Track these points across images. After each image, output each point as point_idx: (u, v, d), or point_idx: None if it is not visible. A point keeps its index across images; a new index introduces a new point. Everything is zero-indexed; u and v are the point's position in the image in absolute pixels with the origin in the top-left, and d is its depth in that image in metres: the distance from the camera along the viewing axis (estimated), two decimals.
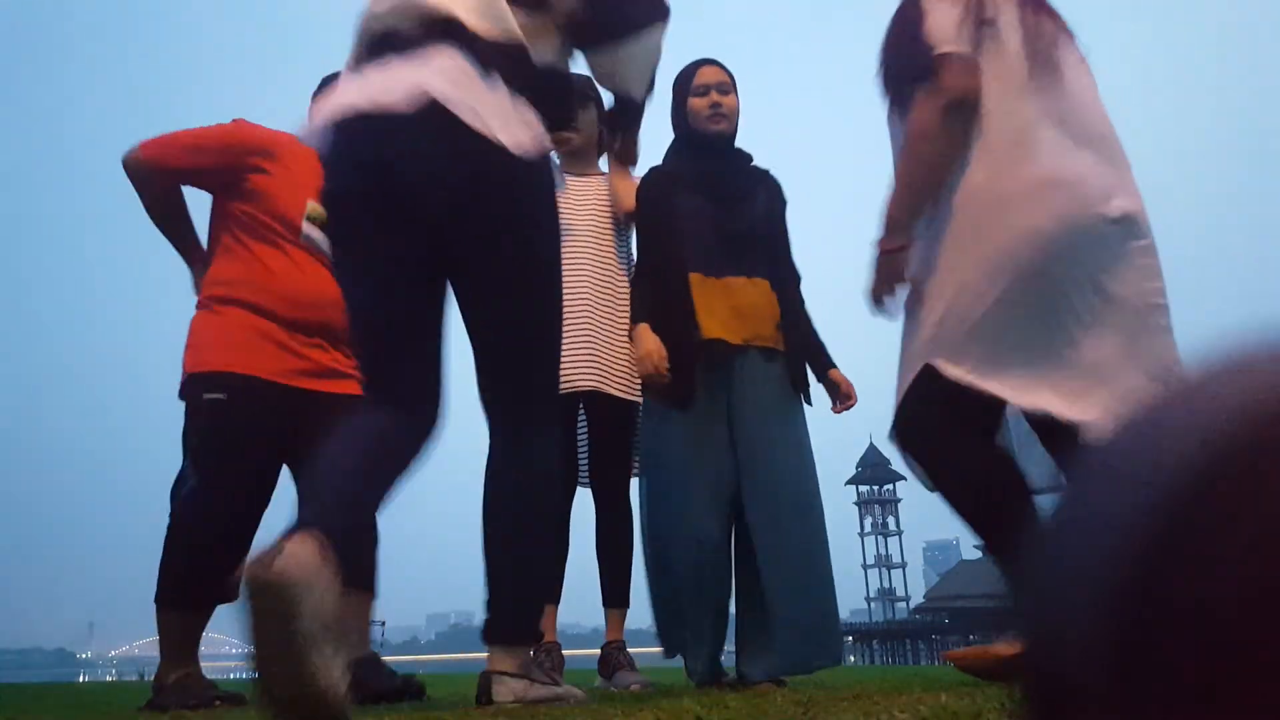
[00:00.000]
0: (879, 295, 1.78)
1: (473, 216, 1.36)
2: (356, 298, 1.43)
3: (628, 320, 2.26)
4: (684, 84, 2.29)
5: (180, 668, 2.07)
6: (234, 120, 2.25)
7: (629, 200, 2.35)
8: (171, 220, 2.21)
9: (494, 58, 1.35)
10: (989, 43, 1.64)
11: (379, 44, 1.40)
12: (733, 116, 2.28)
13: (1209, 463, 0.28)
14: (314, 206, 2.11)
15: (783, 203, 2.37)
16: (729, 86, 2.27)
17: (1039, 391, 1.56)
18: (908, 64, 1.69)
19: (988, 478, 1.65)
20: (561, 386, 1.89)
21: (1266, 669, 0.26)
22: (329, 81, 2.08)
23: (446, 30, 1.35)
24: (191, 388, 2.07)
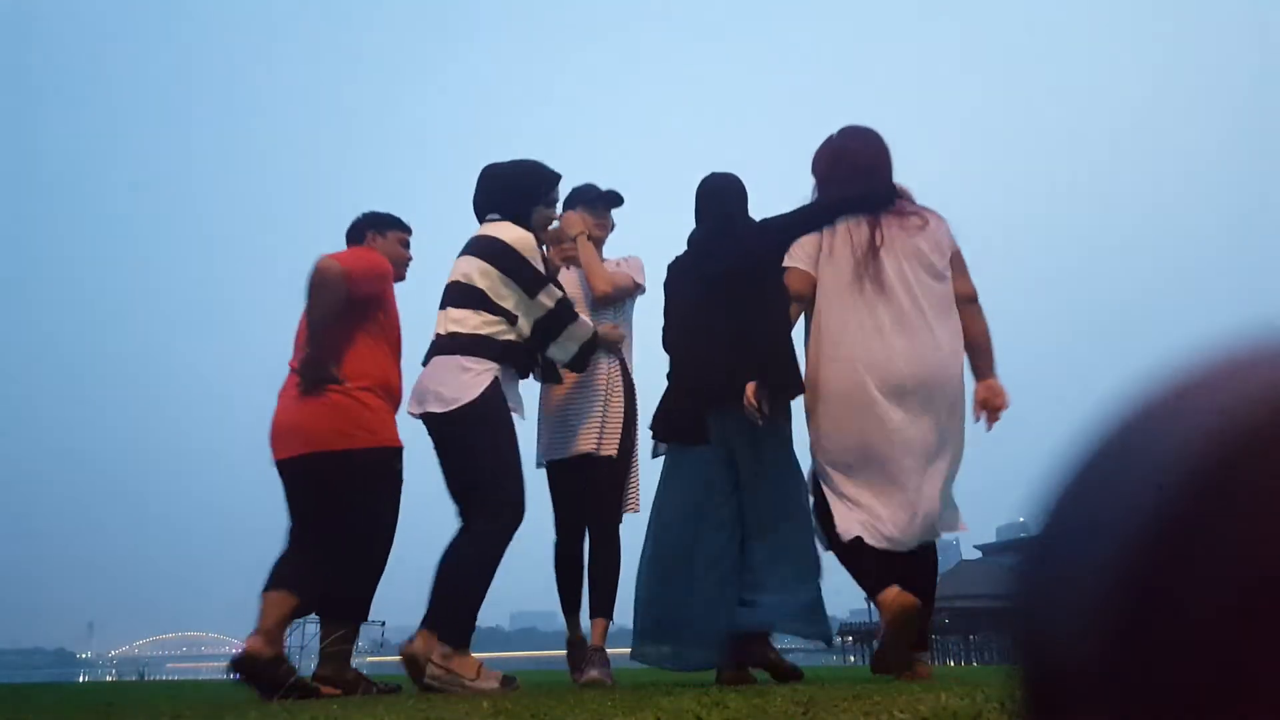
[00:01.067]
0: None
1: (446, 441, 2.62)
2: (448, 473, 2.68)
3: (619, 385, 3.05)
4: None
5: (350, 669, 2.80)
6: (374, 251, 2.97)
7: (600, 284, 3.02)
8: (334, 323, 2.74)
9: (467, 344, 2.58)
10: (827, 263, 2.52)
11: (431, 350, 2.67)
12: None
13: (1207, 462, 0.28)
14: None
15: None
16: None
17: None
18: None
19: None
20: (564, 453, 2.97)
21: (1265, 670, 0.26)
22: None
23: (448, 339, 2.62)
24: (392, 458, 2.84)
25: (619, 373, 3.09)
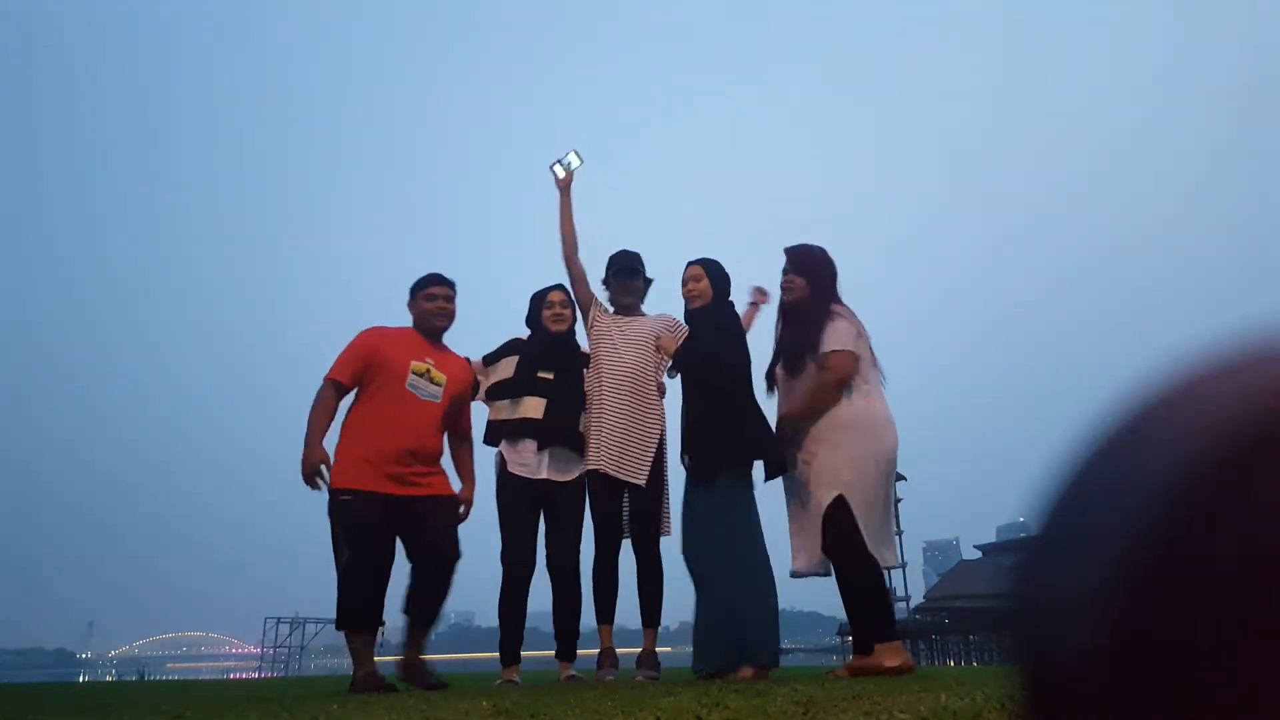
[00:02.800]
0: (785, 458, 3.23)
1: None
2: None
3: (658, 422, 3.48)
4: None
5: (368, 665, 3.14)
6: (359, 336, 3.44)
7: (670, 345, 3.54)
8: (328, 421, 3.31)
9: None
10: (863, 344, 3.21)
11: None
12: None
13: (1208, 462, 0.28)
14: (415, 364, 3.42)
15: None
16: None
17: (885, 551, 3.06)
18: (809, 345, 3.19)
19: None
20: (611, 472, 3.35)
21: (1268, 671, 0.26)
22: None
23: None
24: (336, 495, 3.23)
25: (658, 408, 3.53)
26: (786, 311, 3.35)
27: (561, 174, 3.59)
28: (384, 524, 3.17)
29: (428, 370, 3.39)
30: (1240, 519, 0.27)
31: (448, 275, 3.56)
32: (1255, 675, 0.26)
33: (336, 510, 3.13)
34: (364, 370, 3.31)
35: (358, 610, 3.10)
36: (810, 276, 3.30)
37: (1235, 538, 0.27)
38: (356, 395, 3.34)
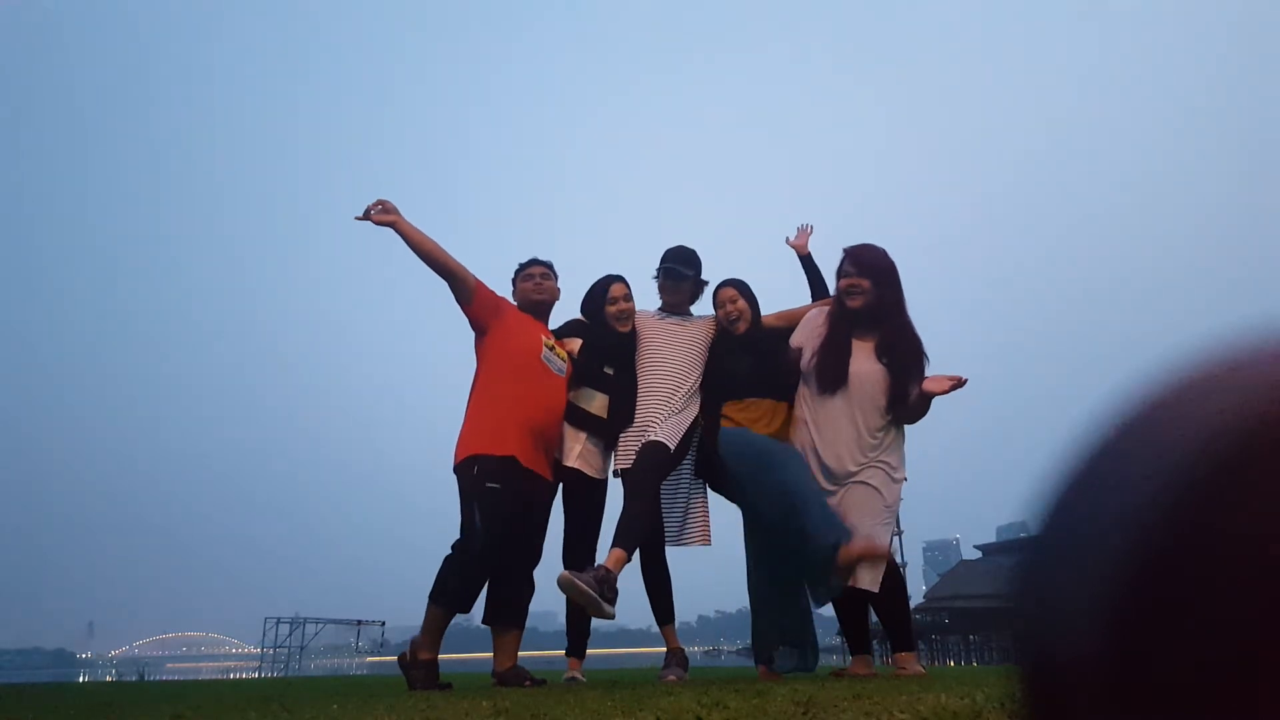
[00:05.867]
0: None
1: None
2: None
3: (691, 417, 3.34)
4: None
5: (432, 651, 2.94)
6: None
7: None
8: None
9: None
10: None
11: None
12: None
13: (1210, 460, 0.28)
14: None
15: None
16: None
17: None
18: (913, 379, 3.03)
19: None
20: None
21: (1266, 671, 0.26)
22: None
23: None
24: (467, 468, 3.12)
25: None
26: (850, 316, 3.09)
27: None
28: (517, 507, 3.03)
29: (553, 345, 3.36)
30: (1241, 519, 0.27)
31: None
32: (1255, 675, 0.26)
33: (482, 495, 2.97)
34: (491, 308, 3.28)
35: (462, 594, 2.92)
36: (878, 280, 3.07)
37: (1235, 537, 0.27)
38: (485, 369, 3.25)
